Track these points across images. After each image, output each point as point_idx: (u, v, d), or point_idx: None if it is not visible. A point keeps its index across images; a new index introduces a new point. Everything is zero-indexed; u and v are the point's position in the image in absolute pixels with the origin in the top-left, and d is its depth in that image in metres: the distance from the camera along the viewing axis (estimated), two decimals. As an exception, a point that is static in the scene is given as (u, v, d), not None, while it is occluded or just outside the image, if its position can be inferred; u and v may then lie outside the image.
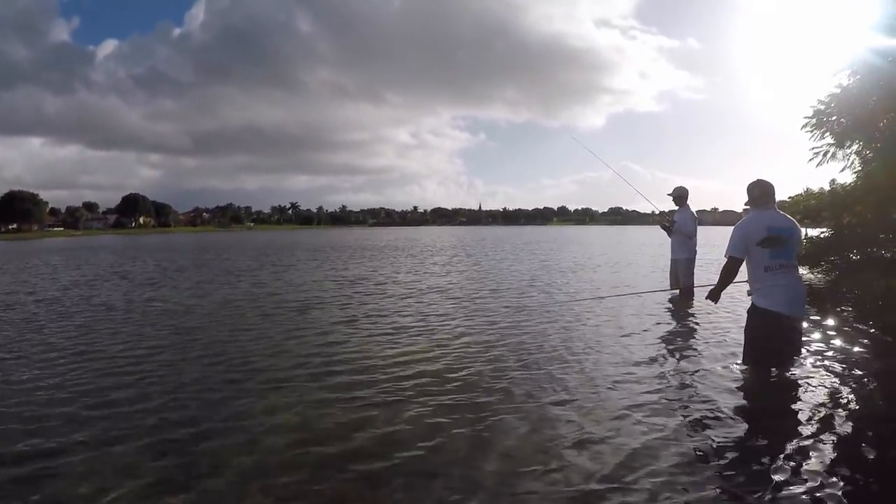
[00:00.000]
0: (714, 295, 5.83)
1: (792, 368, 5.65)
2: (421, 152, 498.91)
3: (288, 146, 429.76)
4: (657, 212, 11.28)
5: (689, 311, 9.56)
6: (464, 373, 5.88)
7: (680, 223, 10.84)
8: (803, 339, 5.98)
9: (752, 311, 5.48)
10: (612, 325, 8.39)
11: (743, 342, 5.77)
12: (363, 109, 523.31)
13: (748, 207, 5.58)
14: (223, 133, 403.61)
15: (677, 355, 6.59)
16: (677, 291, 10.90)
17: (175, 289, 14.03)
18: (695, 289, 10.71)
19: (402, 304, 10.76)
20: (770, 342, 5.38)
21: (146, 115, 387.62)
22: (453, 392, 5.24)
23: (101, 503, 3.27)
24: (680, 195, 10.96)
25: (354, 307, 10.47)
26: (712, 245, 23.49)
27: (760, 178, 5.56)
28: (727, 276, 5.57)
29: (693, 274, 10.87)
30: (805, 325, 6.79)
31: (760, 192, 5.47)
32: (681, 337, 7.66)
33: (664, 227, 11.19)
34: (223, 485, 3.48)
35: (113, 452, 3.95)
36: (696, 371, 5.86)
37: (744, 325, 5.71)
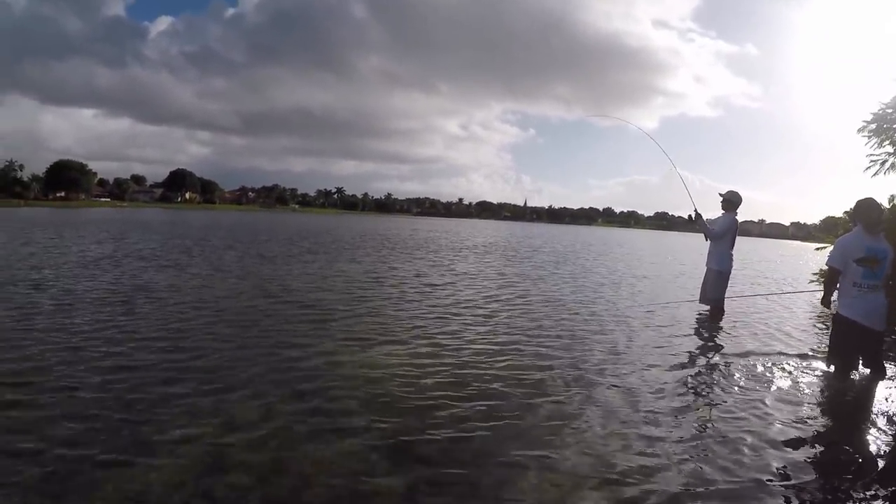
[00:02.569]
0: (823, 299, 6.34)
1: (873, 377, 5.95)
2: (470, 144, 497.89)
3: (336, 131, 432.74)
4: (692, 215, 9.77)
5: (715, 330, 8.91)
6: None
7: (715, 227, 9.68)
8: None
9: (836, 319, 6.03)
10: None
11: (827, 351, 6.42)
12: (414, 98, 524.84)
13: (852, 224, 6.22)
14: (272, 114, 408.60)
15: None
16: (706, 308, 10.01)
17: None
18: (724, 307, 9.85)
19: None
20: (848, 349, 5.92)
21: (197, 93, 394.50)
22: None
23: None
24: (731, 200, 9.67)
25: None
26: (762, 259, 22.39)
27: (872, 197, 5.98)
28: (829, 286, 6.11)
29: (724, 289, 9.76)
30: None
31: (878, 214, 5.88)
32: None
33: (692, 218, 9.89)
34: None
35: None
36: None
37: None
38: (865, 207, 5.86)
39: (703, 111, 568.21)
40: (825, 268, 6.44)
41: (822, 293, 6.33)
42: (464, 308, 9.72)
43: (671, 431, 4.47)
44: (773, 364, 6.70)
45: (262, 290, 10.54)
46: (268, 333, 7.15)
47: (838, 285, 5.91)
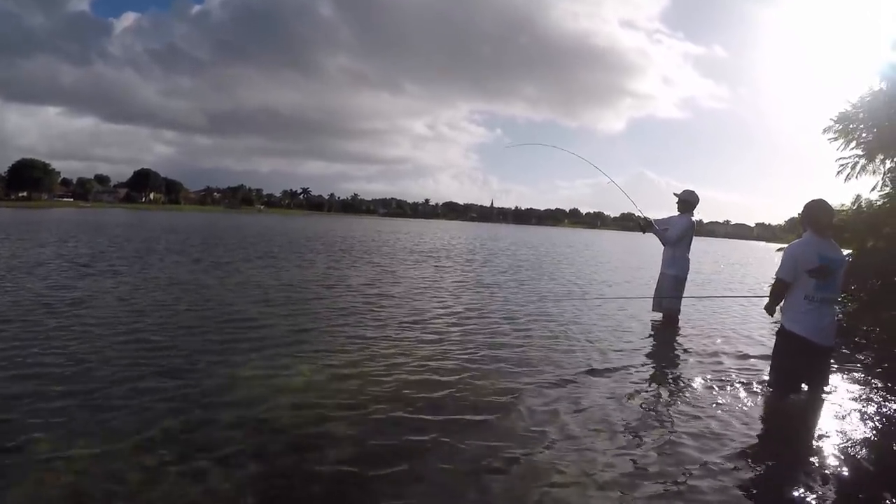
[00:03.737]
0: (768, 306, 5.66)
1: (817, 397, 5.56)
2: (437, 145, 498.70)
3: (303, 131, 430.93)
4: (639, 214, 9.53)
5: (668, 341, 8.59)
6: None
7: (671, 230, 9.28)
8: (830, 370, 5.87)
9: (781, 334, 5.50)
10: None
11: (769, 368, 5.82)
12: (381, 98, 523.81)
13: (805, 230, 5.50)
14: (239, 113, 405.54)
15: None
16: (660, 316, 9.68)
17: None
18: (679, 316, 9.58)
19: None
20: (795, 367, 5.43)
21: (162, 91, 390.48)
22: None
23: None
24: (687, 200, 9.28)
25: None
26: (730, 262, 22.30)
27: (822, 199, 5.49)
28: (775, 299, 5.52)
29: (681, 297, 9.43)
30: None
31: (828, 219, 5.45)
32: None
33: (642, 229, 9.57)
34: None
35: None
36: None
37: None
38: (816, 210, 5.40)
39: (671, 112, 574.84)
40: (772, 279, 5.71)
41: (768, 301, 5.67)
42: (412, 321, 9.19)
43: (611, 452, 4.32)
44: (721, 381, 6.37)
45: (189, 301, 9.95)
46: (174, 349, 6.60)
47: (785, 296, 5.44)
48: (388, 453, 4.11)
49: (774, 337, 5.72)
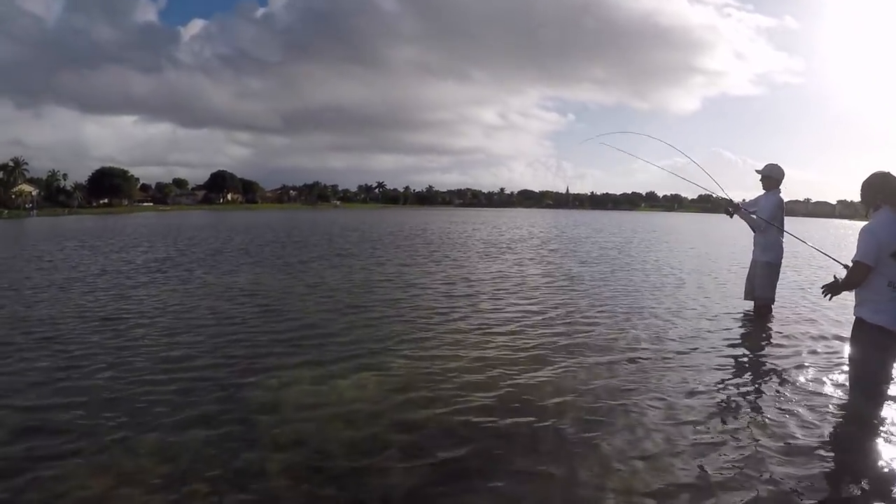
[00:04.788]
0: (833, 288, 4.96)
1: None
2: (508, 133, 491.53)
3: (374, 125, 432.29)
4: (720, 195, 8.35)
5: (760, 333, 7.63)
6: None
7: (760, 213, 8.13)
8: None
9: (862, 328, 4.76)
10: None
11: (848, 367, 5.24)
12: (448, 88, 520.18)
13: (878, 206, 4.73)
14: (309, 111, 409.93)
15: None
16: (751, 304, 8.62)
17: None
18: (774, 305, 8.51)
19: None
20: (884, 365, 4.82)
21: (234, 94, 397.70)
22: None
23: None
24: (770, 175, 8.19)
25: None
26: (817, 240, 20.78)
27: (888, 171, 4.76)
28: (854, 283, 4.76)
29: (775, 284, 8.38)
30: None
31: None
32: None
33: (728, 213, 8.40)
34: None
35: None
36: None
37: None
38: (882, 180, 4.73)
39: (745, 89, 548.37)
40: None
41: (839, 283, 4.93)
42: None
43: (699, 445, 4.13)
44: (813, 379, 5.64)
45: (257, 301, 9.46)
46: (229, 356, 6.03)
47: (864, 285, 4.70)
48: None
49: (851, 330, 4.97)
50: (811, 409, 4.82)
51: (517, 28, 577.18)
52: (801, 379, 5.63)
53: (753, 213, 8.12)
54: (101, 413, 4.52)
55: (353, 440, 4.06)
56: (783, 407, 4.88)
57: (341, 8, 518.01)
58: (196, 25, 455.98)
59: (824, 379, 5.62)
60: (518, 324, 7.96)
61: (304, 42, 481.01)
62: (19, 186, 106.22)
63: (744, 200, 8.39)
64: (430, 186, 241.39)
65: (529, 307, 9.19)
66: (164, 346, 6.61)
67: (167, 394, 4.98)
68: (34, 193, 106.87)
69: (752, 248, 8.49)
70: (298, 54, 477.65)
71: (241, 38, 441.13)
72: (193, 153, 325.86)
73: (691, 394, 5.16)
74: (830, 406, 4.92)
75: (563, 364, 5.96)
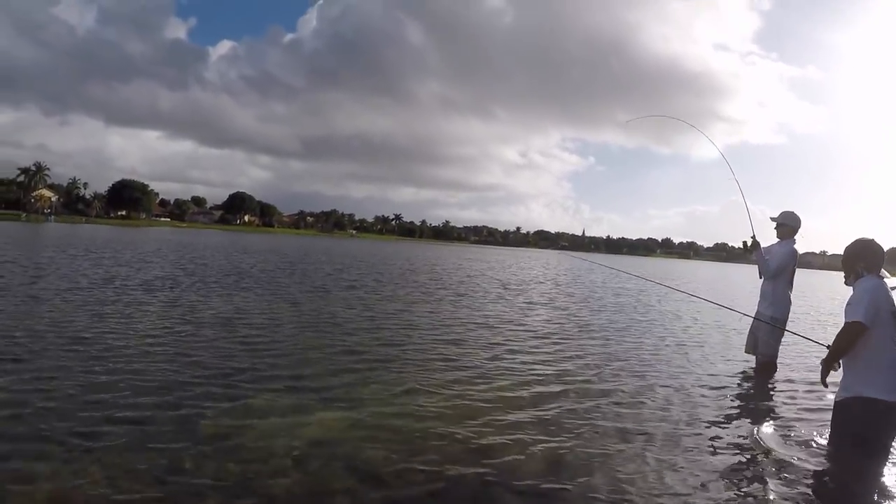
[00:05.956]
0: (826, 368, 4.63)
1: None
2: (529, 172, 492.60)
3: (395, 157, 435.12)
4: (747, 241, 8.02)
5: (762, 391, 7.22)
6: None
7: (770, 258, 7.80)
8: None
9: (856, 405, 4.44)
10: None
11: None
12: (472, 125, 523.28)
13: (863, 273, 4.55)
14: (332, 139, 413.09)
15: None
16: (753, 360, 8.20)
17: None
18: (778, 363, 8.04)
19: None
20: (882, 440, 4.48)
21: (258, 117, 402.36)
22: None
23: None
24: (785, 223, 7.82)
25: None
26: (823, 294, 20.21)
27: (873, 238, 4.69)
28: (846, 345, 4.42)
29: (779, 340, 7.90)
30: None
31: (890, 254, 4.78)
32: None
33: (745, 245, 8.01)
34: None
35: None
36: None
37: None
38: (878, 247, 4.64)
39: (766, 138, 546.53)
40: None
41: (827, 356, 4.60)
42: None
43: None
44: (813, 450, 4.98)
45: (240, 332, 9.25)
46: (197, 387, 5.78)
47: (859, 351, 4.38)
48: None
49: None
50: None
51: (542, 68, 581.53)
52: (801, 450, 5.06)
53: (766, 259, 7.80)
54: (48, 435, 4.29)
55: (301, 482, 3.79)
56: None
57: (368, 38, 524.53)
58: (224, 46, 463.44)
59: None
60: (506, 377, 7.63)
61: (330, 69, 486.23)
62: (40, 191, 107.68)
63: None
64: (446, 221, 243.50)
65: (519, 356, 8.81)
66: (129, 370, 6.38)
67: (117, 420, 4.75)
68: (53, 199, 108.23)
69: (759, 299, 8.05)
70: (323, 81, 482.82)
71: (268, 62, 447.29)
72: (214, 172, 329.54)
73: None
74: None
75: (546, 421, 5.62)
